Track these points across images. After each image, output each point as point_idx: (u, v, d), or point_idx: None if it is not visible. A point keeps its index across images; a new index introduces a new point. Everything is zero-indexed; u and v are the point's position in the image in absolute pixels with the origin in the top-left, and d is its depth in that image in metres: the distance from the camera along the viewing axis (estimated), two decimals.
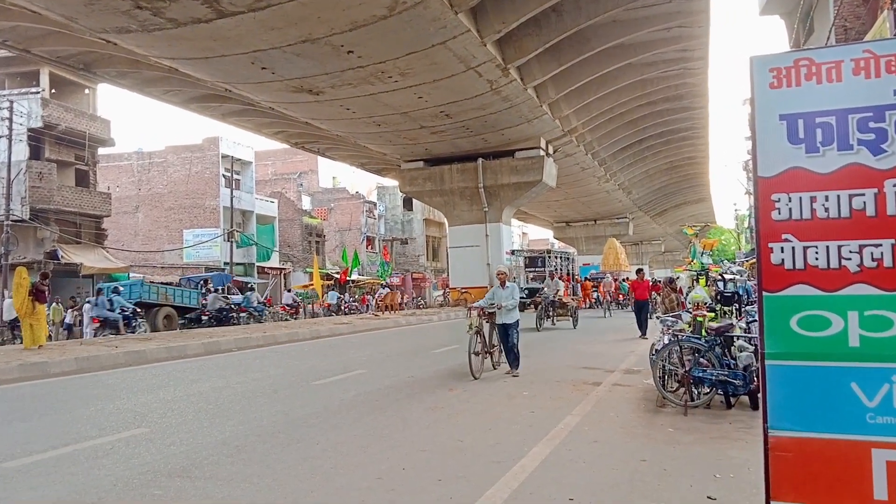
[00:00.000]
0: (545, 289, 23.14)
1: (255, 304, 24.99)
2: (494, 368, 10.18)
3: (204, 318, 22.40)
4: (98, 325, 17.97)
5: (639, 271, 17.47)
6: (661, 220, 67.43)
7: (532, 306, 23.64)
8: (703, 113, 36.57)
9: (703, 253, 11.64)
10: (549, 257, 34.02)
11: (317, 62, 20.01)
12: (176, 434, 6.21)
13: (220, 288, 27.20)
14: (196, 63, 20.53)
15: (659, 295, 16.89)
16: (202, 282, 25.93)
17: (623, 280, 35.57)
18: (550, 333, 18.20)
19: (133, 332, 18.32)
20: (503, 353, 10.08)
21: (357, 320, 23.42)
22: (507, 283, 9.80)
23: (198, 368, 11.29)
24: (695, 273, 10.66)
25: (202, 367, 11.42)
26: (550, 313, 19.24)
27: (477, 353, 9.52)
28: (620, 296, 33.34)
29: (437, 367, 10.52)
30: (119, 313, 18.25)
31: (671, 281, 12.64)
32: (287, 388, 8.95)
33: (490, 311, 9.85)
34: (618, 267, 42.14)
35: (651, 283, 19.97)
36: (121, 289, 20.25)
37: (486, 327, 10.02)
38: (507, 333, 9.80)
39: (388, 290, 33.58)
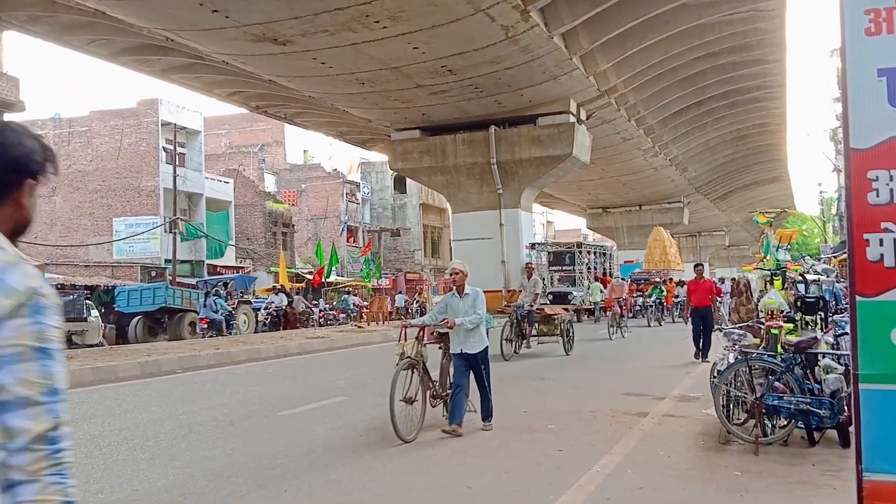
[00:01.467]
0: (573, 293, 23.18)
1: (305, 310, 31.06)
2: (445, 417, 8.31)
3: (203, 326, 24.83)
4: (206, 325, 24.36)
5: (697, 267, 16.81)
6: (724, 204, 67.37)
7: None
8: (780, 68, 36.49)
9: (778, 247, 11.58)
10: (580, 252, 34.05)
11: (283, 3, 20.01)
12: (104, 479, 6.21)
13: (241, 291, 30.52)
14: (128, 4, 20.49)
15: (723, 299, 16.62)
16: (221, 285, 29.17)
17: (665, 281, 35.56)
18: (581, 350, 18.23)
19: (231, 334, 24.64)
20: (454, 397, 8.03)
21: (335, 333, 23.49)
22: (468, 288, 8.09)
23: (133, 395, 11.32)
24: (768, 273, 10.62)
25: (137, 394, 11.46)
26: (526, 331, 16.30)
27: (410, 401, 7.69)
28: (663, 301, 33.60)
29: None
30: (221, 315, 24.40)
31: (748, 283, 12.58)
32: (246, 419, 8.97)
33: (440, 331, 8.21)
34: (666, 264, 42.14)
35: (714, 285, 18.46)
36: (222, 291, 27.28)
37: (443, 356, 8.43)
38: (473, 368, 8.08)
39: (374, 296, 33.55)
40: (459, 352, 7.99)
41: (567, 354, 16.19)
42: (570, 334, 16.97)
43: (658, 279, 37.33)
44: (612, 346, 19.50)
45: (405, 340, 7.93)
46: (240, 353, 16.75)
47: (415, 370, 7.81)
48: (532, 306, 16.41)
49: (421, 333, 8.05)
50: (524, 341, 16.35)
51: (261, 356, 17.02)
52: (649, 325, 26.84)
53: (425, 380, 7.97)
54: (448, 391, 8.18)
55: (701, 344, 14.91)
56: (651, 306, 28.87)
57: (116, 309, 26.26)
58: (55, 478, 1.47)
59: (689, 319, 15.89)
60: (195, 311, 25.24)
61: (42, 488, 1.45)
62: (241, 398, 10.78)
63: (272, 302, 29.36)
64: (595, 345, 19.55)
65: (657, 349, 18.48)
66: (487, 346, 8.21)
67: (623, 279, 27.29)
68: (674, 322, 29.18)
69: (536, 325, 16.83)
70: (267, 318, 28.52)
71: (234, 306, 27.21)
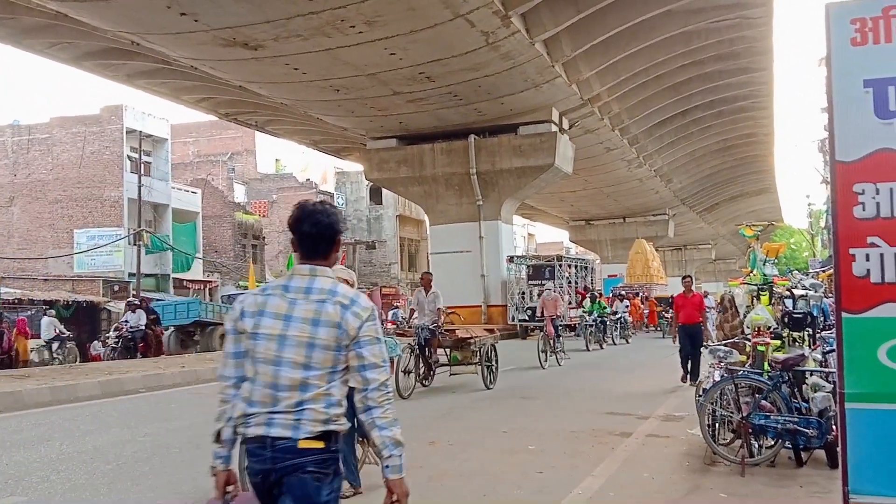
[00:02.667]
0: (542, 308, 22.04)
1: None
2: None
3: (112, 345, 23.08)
4: None
5: (685, 279, 15.60)
6: (710, 217, 67.83)
7: (537, 332, 22.78)
8: (767, 76, 36.87)
9: (765, 261, 11.67)
10: (561, 266, 34.14)
11: (255, 6, 19.95)
12: None
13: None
14: (92, 6, 20.34)
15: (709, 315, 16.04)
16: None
17: (642, 297, 35.75)
18: (563, 368, 18.25)
19: None
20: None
21: None
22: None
23: (92, 416, 11.19)
24: (755, 287, 10.70)
25: (98, 414, 11.33)
26: (431, 359, 13.72)
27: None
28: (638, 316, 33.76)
29: (413, 412, 10.51)
30: None
31: (733, 298, 12.60)
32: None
33: None
34: (648, 278, 42.35)
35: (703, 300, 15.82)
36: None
37: None
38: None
39: None
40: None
41: (488, 388, 13.58)
42: (493, 362, 14.24)
43: (639, 294, 37.59)
44: (595, 364, 19.56)
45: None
46: (206, 372, 16.59)
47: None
48: (437, 327, 13.56)
49: None
50: (430, 372, 13.71)
51: None
52: (587, 349, 23.72)
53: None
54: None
55: (689, 366, 14.07)
56: (590, 326, 25.40)
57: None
58: (388, 404, 2.87)
59: (677, 338, 14.56)
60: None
61: (383, 410, 2.85)
62: (208, 418, 10.64)
63: (126, 322, 23.42)
64: (576, 366, 19.58)
65: (641, 368, 18.55)
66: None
67: (554, 292, 23.18)
68: (627, 342, 28.52)
69: (448, 351, 14.21)
70: (118, 343, 22.85)
71: None
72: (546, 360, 18.10)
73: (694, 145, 46.02)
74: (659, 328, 32.77)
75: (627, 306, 31.77)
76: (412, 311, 14.67)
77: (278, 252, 51.07)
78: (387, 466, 2.82)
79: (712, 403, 7.56)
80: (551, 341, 18.82)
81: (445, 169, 33.22)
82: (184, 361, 19.24)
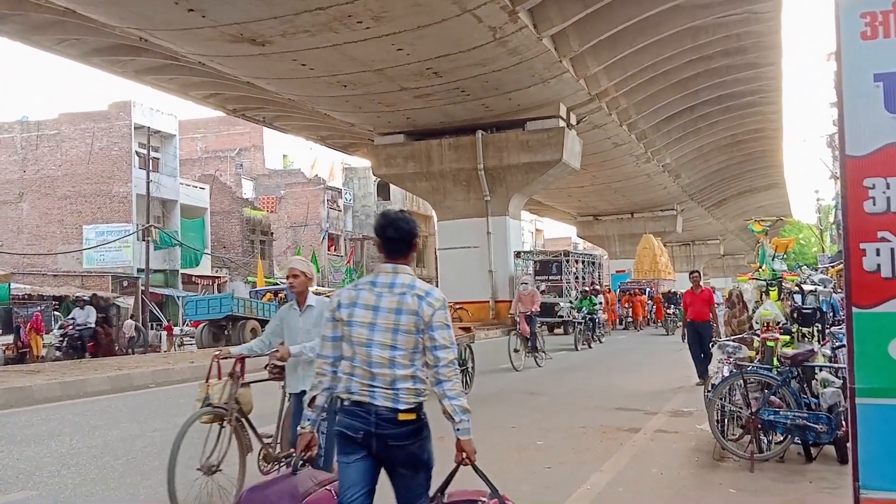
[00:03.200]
0: (560, 304, 21.49)
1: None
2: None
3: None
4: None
5: (693, 274, 14.79)
6: (719, 212, 67.73)
7: (543, 328, 20.76)
8: (775, 71, 36.77)
9: (774, 256, 11.62)
10: (568, 261, 34.10)
11: (263, 2, 19.97)
12: (73, 499, 6.16)
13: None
14: (100, 2, 20.38)
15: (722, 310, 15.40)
16: (271, 294, 31.43)
17: (648, 292, 35.45)
18: (570, 361, 18.24)
19: None
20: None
21: None
22: (312, 299, 5.88)
23: (101, 411, 11.23)
24: (764, 283, 10.67)
25: (107, 409, 11.37)
26: None
27: (211, 471, 5.72)
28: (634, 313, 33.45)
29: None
30: None
31: (741, 293, 12.52)
32: None
33: (278, 364, 6.03)
34: (655, 273, 42.26)
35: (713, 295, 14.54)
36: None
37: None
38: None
39: None
40: (299, 391, 5.74)
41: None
42: (468, 365, 12.71)
43: (647, 289, 37.46)
44: (602, 360, 19.54)
45: (215, 379, 5.97)
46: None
47: (223, 424, 5.79)
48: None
49: (238, 368, 5.94)
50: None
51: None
52: (576, 348, 22.09)
53: (243, 437, 5.99)
54: (292, 450, 5.58)
55: (699, 362, 13.35)
56: (579, 323, 23.74)
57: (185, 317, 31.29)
58: (456, 378, 3.54)
59: (685, 337, 13.84)
60: (256, 319, 27.61)
61: (452, 383, 3.50)
62: None
63: (73, 319, 21.51)
64: (585, 361, 19.56)
65: (650, 364, 18.52)
66: None
67: (529, 286, 19.96)
68: (599, 341, 25.12)
69: None
70: (63, 342, 21.37)
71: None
72: (521, 362, 16.38)
73: (702, 140, 45.94)
74: (663, 325, 32.32)
75: (601, 302, 28.28)
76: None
77: (286, 248, 51.15)
78: (457, 429, 3.59)
79: (721, 399, 7.55)
80: (528, 340, 16.95)
81: (453, 164, 33.22)
82: (193, 357, 19.29)
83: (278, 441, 6.14)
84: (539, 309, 17.84)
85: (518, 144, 32.27)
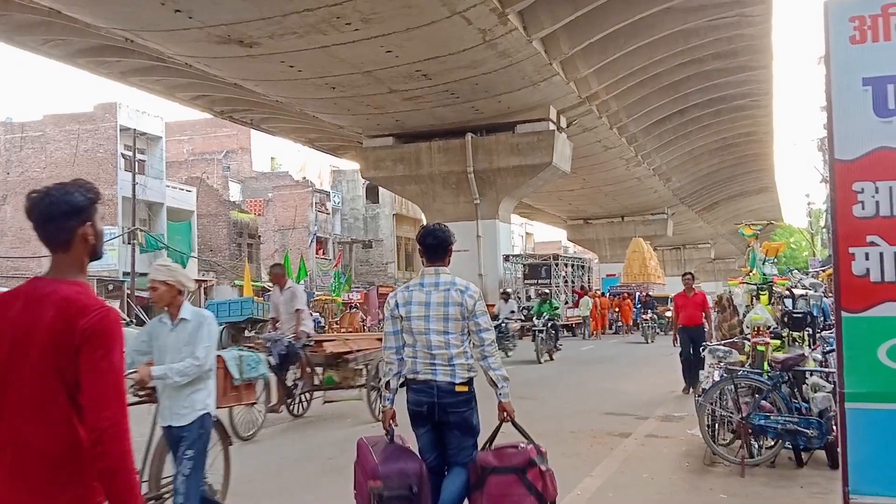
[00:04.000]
0: (502, 315, 19.80)
1: None
2: None
3: None
4: None
5: (686, 276, 14.08)
6: (709, 216, 67.94)
7: (531, 335, 20.61)
8: (766, 75, 36.94)
9: (765, 260, 11.71)
10: (557, 265, 34.16)
11: (250, 3, 19.93)
12: None
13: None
14: (85, 2, 20.31)
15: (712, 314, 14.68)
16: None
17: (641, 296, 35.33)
18: (559, 366, 18.25)
19: None
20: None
21: None
22: (187, 311, 4.92)
23: None
24: (754, 287, 10.74)
25: None
26: (291, 382, 10.56)
27: None
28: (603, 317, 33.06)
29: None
30: None
31: (731, 297, 12.53)
32: None
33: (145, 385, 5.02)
34: (645, 277, 42.38)
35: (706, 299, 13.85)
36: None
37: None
38: (174, 450, 4.94)
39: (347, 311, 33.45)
40: (166, 426, 4.90)
41: (376, 417, 9.54)
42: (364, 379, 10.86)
43: (637, 292, 37.44)
44: (596, 363, 19.57)
45: None
46: None
47: None
48: (303, 340, 10.41)
49: None
50: (289, 400, 10.49)
51: None
52: (538, 360, 19.53)
53: None
54: (162, 490, 5.21)
55: (690, 372, 12.64)
56: (539, 332, 20.17)
57: None
58: (497, 354, 4.66)
59: (677, 341, 13.25)
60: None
61: (494, 359, 4.62)
62: None
63: None
64: (574, 366, 19.59)
65: (640, 369, 18.55)
66: (206, 415, 4.84)
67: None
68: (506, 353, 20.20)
69: (322, 371, 10.74)
70: None
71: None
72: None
73: (693, 144, 46.09)
74: (639, 329, 30.44)
75: (559, 306, 26.46)
76: (273, 319, 11.08)
77: (274, 251, 51.01)
78: (500, 394, 4.64)
79: (712, 404, 7.58)
80: None
81: (442, 167, 33.21)
82: None
83: (144, 479, 5.05)
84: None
85: (508, 147, 32.29)
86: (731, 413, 7.49)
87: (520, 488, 4.47)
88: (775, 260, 12.08)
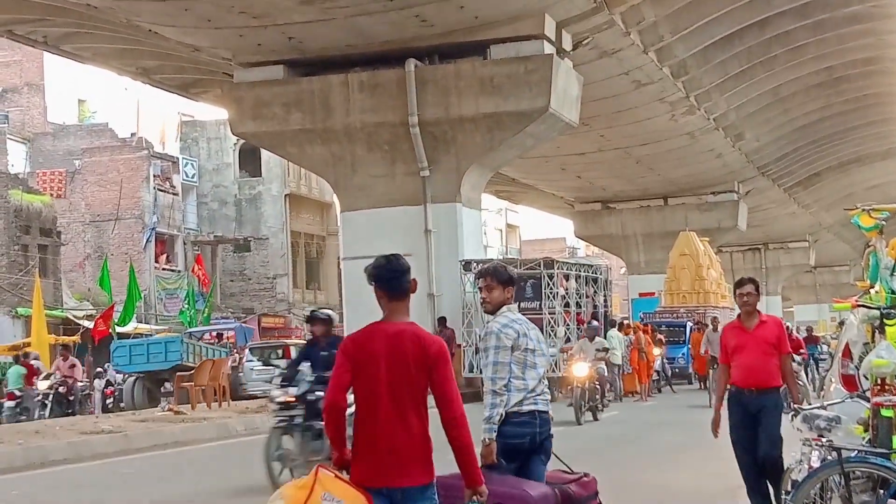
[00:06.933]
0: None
1: None
2: None
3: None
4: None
5: (742, 288, 10.32)
6: (807, 196, 68.70)
7: None
8: None
9: (894, 268, 11.82)
10: (552, 277, 33.97)
11: None
12: None
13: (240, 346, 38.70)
14: None
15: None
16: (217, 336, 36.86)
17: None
18: (608, 430, 18.34)
19: None
20: None
21: (134, 424, 23.22)
22: None
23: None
24: (877, 312, 10.85)
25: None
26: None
27: None
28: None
29: None
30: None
31: (810, 331, 12.48)
32: None
33: None
34: (701, 296, 42.62)
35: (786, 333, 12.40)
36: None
37: None
38: None
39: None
40: None
41: None
42: None
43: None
44: (635, 445, 19.73)
45: None
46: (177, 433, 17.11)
47: None
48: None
49: None
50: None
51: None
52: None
53: None
54: None
55: (759, 486, 9.84)
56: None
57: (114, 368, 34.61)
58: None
59: (719, 424, 10.15)
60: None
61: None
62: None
63: None
64: (600, 436, 19.80)
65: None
66: None
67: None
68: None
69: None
70: None
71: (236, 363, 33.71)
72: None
73: (779, 78, 46.55)
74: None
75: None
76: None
77: (85, 257, 50.64)
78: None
79: None
80: None
81: (367, 116, 33.10)
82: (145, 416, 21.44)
83: None
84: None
85: (477, 82, 32.25)
86: None
87: None
88: None
